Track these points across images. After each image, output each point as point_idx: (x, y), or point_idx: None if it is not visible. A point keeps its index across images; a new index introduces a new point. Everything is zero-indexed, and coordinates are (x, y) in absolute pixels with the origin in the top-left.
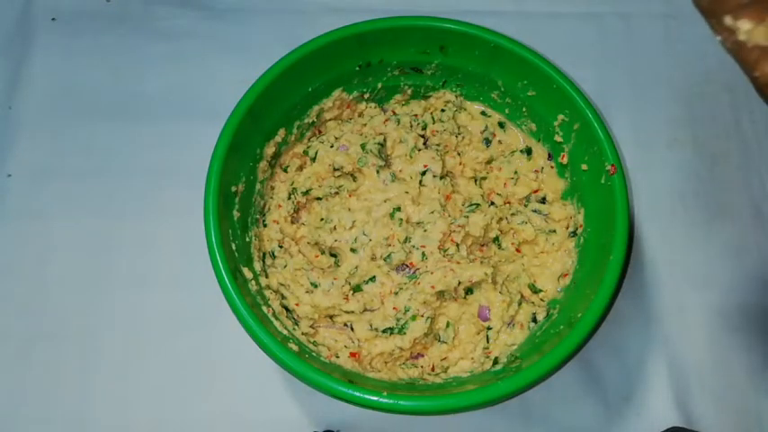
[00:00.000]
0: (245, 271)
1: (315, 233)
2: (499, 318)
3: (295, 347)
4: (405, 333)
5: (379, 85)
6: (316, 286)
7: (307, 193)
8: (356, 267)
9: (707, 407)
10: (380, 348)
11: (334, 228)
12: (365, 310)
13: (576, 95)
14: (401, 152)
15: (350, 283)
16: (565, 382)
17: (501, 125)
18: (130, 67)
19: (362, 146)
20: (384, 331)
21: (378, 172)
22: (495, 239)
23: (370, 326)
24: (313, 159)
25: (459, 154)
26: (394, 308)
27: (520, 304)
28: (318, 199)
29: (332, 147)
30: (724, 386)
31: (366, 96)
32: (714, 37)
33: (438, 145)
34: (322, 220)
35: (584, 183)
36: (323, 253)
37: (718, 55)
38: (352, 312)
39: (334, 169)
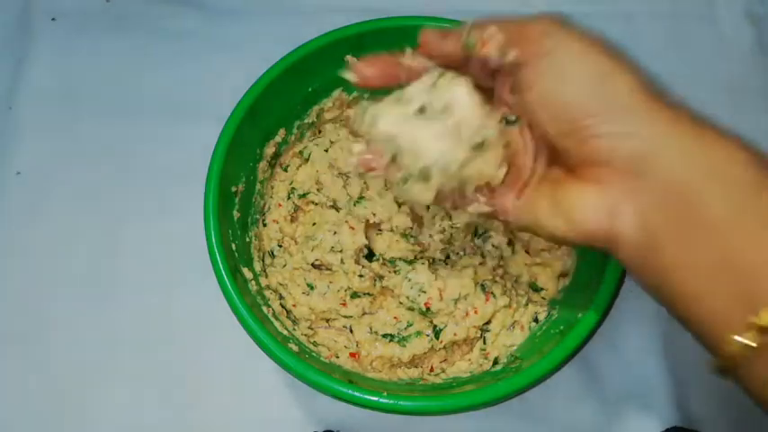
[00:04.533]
0: (245, 271)
1: (302, 243)
2: (500, 322)
3: (295, 347)
4: (405, 346)
5: None
6: (312, 288)
7: (304, 196)
8: (348, 287)
9: (707, 407)
10: (380, 352)
11: (319, 245)
12: (364, 313)
13: None
14: None
15: (346, 290)
16: (565, 382)
17: None
18: (130, 66)
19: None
20: (384, 336)
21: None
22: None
23: (370, 329)
24: (306, 160)
25: None
26: (395, 317)
27: (526, 305)
28: (315, 204)
29: (326, 151)
30: (724, 386)
31: (366, 96)
32: None
33: None
34: (308, 236)
35: None
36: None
37: (720, 55)
38: (351, 317)
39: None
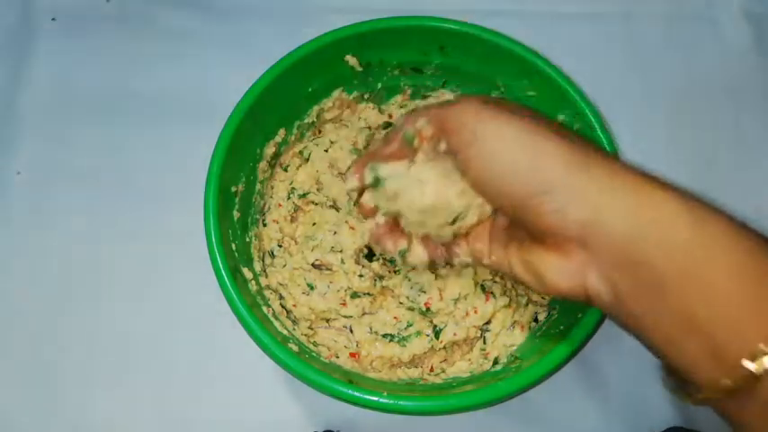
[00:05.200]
0: (245, 271)
1: (302, 243)
2: (500, 322)
3: (295, 347)
4: (405, 346)
5: (379, 86)
6: (312, 288)
7: (304, 196)
8: (348, 287)
9: (707, 407)
10: (380, 352)
11: (319, 245)
12: (364, 313)
13: (577, 95)
14: None
15: (346, 290)
16: (565, 382)
17: None
18: (130, 66)
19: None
20: (384, 336)
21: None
22: None
23: (370, 329)
24: (307, 160)
25: None
26: (395, 317)
27: (526, 305)
28: (315, 204)
29: (326, 151)
30: None
31: (366, 96)
32: None
33: None
34: (308, 236)
35: None
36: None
37: (719, 55)
38: (351, 317)
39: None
